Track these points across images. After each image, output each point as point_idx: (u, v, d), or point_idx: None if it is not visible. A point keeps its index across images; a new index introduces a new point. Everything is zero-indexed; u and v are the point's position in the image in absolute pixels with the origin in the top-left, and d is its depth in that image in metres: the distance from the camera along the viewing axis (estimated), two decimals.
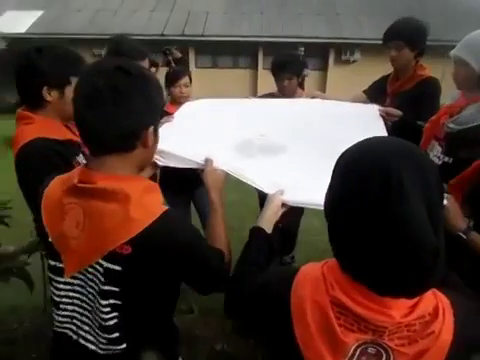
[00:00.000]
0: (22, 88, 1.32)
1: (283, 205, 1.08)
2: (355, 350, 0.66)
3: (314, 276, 0.72)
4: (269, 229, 1.02)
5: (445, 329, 0.66)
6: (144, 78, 0.87)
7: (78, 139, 1.44)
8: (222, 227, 1.06)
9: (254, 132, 1.51)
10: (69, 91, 1.28)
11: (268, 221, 1.03)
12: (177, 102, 2.29)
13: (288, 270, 0.78)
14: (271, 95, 2.48)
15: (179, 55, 7.22)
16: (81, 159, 1.41)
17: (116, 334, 0.88)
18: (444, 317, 0.66)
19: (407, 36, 1.93)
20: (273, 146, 1.45)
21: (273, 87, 2.48)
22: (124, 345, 0.89)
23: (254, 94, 10.62)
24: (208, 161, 1.16)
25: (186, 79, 2.41)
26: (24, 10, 11.30)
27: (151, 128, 0.87)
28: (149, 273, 0.85)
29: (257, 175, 1.20)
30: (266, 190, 1.13)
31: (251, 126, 1.56)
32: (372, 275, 0.65)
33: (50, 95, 1.28)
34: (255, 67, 10.82)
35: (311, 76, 8.01)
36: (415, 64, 2.01)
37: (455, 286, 0.85)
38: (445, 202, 1.16)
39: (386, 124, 1.70)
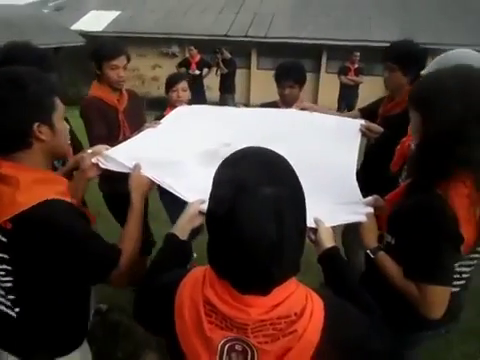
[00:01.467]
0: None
1: (201, 214, 1.09)
2: (223, 346, 0.69)
3: (196, 276, 0.76)
4: (183, 236, 1.05)
5: (310, 330, 0.67)
6: (21, 83, 1.00)
7: None
8: (135, 226, 1.18)
9: (220, 141, 1.53)
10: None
11: (182, 228, 1.06)
12: (175, 106, 2.25)
13: (183, 271, 0.82)
14: (273, 104, 2.44)
15: (228, 56, 7.32)
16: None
17: (11, 296, 1.07)
18: (311, 318, 0.68)
19: (401, 60, 1.90)
20: None
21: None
22: (18, 309, 1.08)
23: (315, 97, 10.47)
24: (136, 166, 1.24)
25: (184, 84, 2.43)
26: (106, 10, 12.16)
27: (35, 125, 1.02)
28: (29, 249, 0.99)
29: (186, 183, 1.24)
30: (185, 197, 1.17)
31: (221, 135, 1.59)
32: (228, 273, 0.69)
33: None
34: (317, 70, 10.61)
35: (372, 82, 7.67)
36: (409, 88, 1.91)
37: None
38: (363, 218, 1.15)
39: (369, 140, 1.70)
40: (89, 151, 1.35)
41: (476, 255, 1.16)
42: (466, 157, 0.97)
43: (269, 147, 1.52)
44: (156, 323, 0.84)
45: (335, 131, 1.70)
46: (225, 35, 10.47)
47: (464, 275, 1.17)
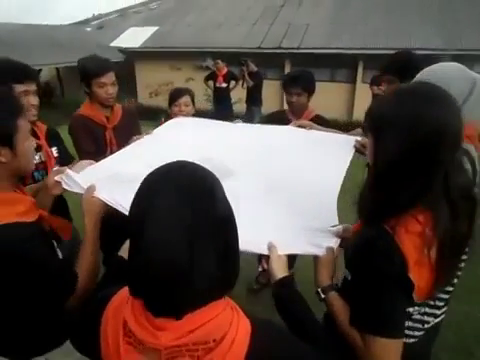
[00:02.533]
0: None
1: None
2: None
3: (124, 294, 0.72)
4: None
5: (229, 359, 0.63)
6: None
7: (39, 141, 1.70)
8: (87, 253, 1.13)
9: (202, 155, 1.51)
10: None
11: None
12: None
13: (115, 289, 0.77)
14: (282, 113, 2.48)
15: (254, 68, 7.21)
16: (36, 157, 1.64)
17: None
18: (232, 346, 0.64)
19: (400, 72, 1.85)
20: (222, 171, 1.49)
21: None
22: None
23: (351, 108, 10.14)
24: (88, 189, 1.20)
25: (186, 98, 2.42)
26: (145, 26, 12.60)
27: None
28: None
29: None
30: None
31: (205, 149, 1.57)
32: (139, 293, 0.66)
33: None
34: (353, 81, 10.30)
35: None
36: None
37: None
38: (320, 252, 1.07)
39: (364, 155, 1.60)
40: (54, 169, 1.37)
41: (440, 303, 0.99)
42: (417, 190, 0.86)
43: (251, 164, 1.47)
44: (87, 345, 0.79)
45: (327, 148, 1.66)
46: (258, 47, 10.45)
47: (426, 325, 0.99)
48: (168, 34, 11.94)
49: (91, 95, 2.09)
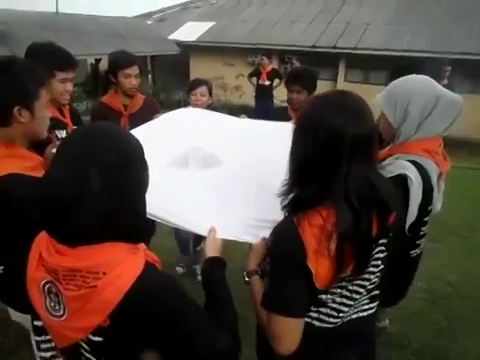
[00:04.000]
0: None
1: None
2: (44, 287, 0.81)
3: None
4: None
5: (111, 290, 0.74)
6: (10, 70, 1.15)
7: (65, 120, 1.86)
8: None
9: (193, 145, 1.62)
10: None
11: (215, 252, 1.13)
12: None
13: None
14: (284, 109, 2.58)
15: (298, 66, 6.99)
16: (61, 134, 1.78)
17: None
18: (116, 280, 0.75)
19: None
20: (208, 160, 1.57)
21: None
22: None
23: None
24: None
25: (203, 88, 2.60)
26: (202, 21, 12.83)
27: (16, 108, 1.16)
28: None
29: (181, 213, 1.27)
30: (197, 231, 1.23)
31: (198, 139, 1.68)
32: (41, 222, 0.80)
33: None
34: None
35: (471, 101, 6.69)
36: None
37: None
38: (254, 240, 1.18)
39: None
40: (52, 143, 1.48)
41: (357, 295, 1.05)
42: (319, 189, 0.95)
43: (239, 156, 1.59)
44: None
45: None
46: (313, 46, 10.20)
47: (342, 314, 1.06)
48: (223, 29, 12.04)
49: (117, 85, 2.32)
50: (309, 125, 0.96)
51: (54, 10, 6.63)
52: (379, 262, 1.05)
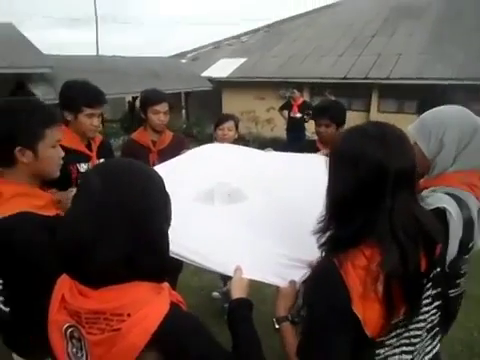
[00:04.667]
0: None
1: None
2: (66, 331, 0.78)
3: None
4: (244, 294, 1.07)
5: (137, 332, 0.71)
6: (11, 111, 1.17)
7: (90, 153, 1.95)
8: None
9: (220, 180, 1.60)
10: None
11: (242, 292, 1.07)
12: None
13: None
14: (312, 142, 2.57)
15: (331, 99, 6.96)
16: (83, 167, 1.86)
17: (1, 298, 1.19)
18: (142, 322, 0.71)
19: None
20: (233, 195, 1.54)
21: None
22: (8, 308, 1.20)
23: None
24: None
25: (230, 123, 2.61)
26: (235, 58, 13.29)
27: (17, 149, 1.16)
28: (2, 254, 1.13)
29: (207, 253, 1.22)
30: (222, 271, 1.17)
31: (224, 174, 1.65)
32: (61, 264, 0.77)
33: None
34: None
35: None
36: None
37: None
38: (282, 283, 1.11)
39: None
40: (70, 189, 1.49)
41: (408, 338, 0.95)
42: (362, 226, 0.89)
43: (266, 191, 1.55)
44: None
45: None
46: (344, 77, 10.22)
47: None
48: (254, 65, 12.38)
49: (146, 121, 2.40)
50: (348, 159, 0.91)
51: (96, 53, 7.14)
52: (432, 299, 0.99)
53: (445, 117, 1.28)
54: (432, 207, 1.21)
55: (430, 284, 0.96)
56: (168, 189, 1.55)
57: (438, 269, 0.98)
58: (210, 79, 12.39)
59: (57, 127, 1.26)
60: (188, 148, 2.34)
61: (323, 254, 0.98)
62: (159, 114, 2.36)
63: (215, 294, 3.04)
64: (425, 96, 1.95)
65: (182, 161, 1.91)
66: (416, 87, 9.22)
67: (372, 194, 0.88)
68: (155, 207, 0.78)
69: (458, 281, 1.40)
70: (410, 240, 0.87)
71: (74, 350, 0.78)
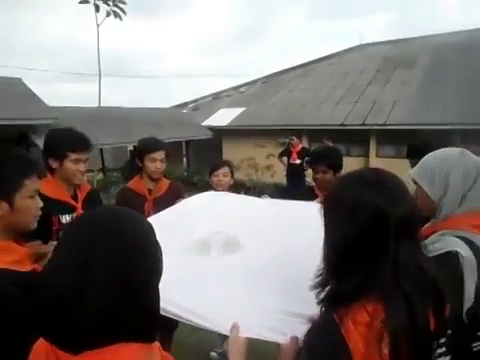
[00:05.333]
0: None
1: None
2: None
3: None
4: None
5: None
6: None
7: (75, 203, 1.88)
8: None
9: (214, 229, 1.56)
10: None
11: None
12: (216, 190, 2.49)
13: None
14: (310, 188, 2.56)
15: (329, 145, 7.05)
16: (66, 219, 1.79)
17: None
18: None
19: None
20: (230, 244, 1.49)
21: None
22: None
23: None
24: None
25: (225, 169, 2.61)
26: (234, 107, 13.69)
27: None
28: None
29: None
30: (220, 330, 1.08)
31: (218, 223, 1.61)
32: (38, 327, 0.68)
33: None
34: None
35: None
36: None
37: None
38: (282, 340, 1.00)
39: None
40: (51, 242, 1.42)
41: None
42: (364, 278, 0.82)
43: (262, 239, 1.49)
44: None
45: None
46: (341, 124, 10.44)
47: None
48: (253, 114, 12.71)
49: (142, 169, 2.39)
50: (345, 206, 0.86)
51: (99, 105, 7.41)
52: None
53: (447, 157, 1.27)
54: (442, 251, 1.15)
55: (443, 349, 0.87)
56: (161, 241, 1.50)
57: (449, 331, 0.88)
58: (210, 128, 12.67)
59: (36, 177, 1.20)
60: (184, 197, 2.30)
61: (323, 310, 0.91)
62: (156, 162, 2.35)
63: (213, 354, 2.84)
64: (412, 143, 2.00)
65: (176, 211, 1.88)
66: (412, 132, 9.37)
67: (373, 243, 0.82)
68: (145, 258, 0.70)
69: None
70: (417, 294, 0.80)
71: None
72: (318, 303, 0.90)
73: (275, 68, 15.82)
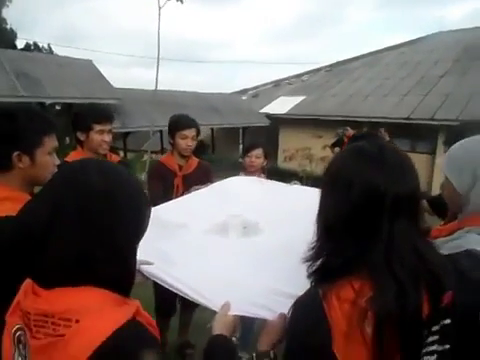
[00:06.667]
0: None
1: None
2: (14, 334, 0.72)
3: None
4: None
5: (79, 343, 0.64)
6: (10, 116, 1.19)
7: None
8: None
9: (232, 212, 1.60)
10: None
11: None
12: (248, 171, 2.60)
13: None
14: None
15: (386, 138, 6.54)
16: None
17: None
18: (87, 332, 0.64)
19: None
20: (249, 227, 1.53)
21: None
22: None
23: None
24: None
25: (259, 151, 2.61)
26: (294, 96, 13.41)
27: (15, 154, 1.18)
28: None
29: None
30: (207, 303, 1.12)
31: (238, 207, 1.65)
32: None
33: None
34: None
35: None
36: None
37: None
38: (269, 316, 1.02)
39: None
40: None
41: None
42: (353, 255, 0.79)
43: (282, 225, 1.52)
44: None
45: None
46: (407, 118, 9.73)
47: None
48: (313, 103, 12.33)
49: (174, 146, 2.47)
50: (341, 180, 0.84)
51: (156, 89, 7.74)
52: (435, 357, 0.82)
53: (477, 148, 1.16)
54: (461, 250, 1.05)
55: (436, 337, 0.80)
56: (180, 221, 1.55)
57: (448, 321, 0.82)
58: (268, 115, 12.54)
59: (54, 135, 1.29)
60: (212, 177, 2.36)
61: (312, 284, 0.89)
62: (187, 139, 2.40)
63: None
64: (451, 131, 1.80)
65: (201, 194, 1.95)
66: None
67: (366, 220, 0.80)
68: (119, 210, 0.73)
69: None
70: (410, 276, 0.77)
71: (19, 359, 0.72)
72: (308, 277, 0.88)
73: (343, 57, 15.09)
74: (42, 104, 8.50)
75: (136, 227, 0.77)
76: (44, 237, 0.68)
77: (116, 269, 0.72)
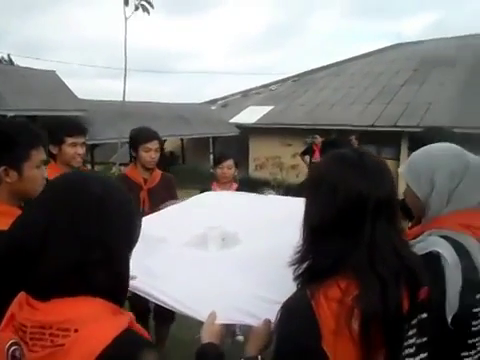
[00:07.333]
0: None
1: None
2: (8, 350, 0.69)
3: None
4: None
5: (79, 351, 0.64)
6: None
7: None
8: None
9: (210, 225, 1.59)
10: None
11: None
12: (220, 182, 2.67)
13: None
14: None
15: (355, 144, 6.76)
16: None
17: None
18: (87, 341, 0.65)
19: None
20: (227, 239, 1.54)
21: None
22: None
23: None
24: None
25: (230, 162, 2.68)
26: (263, 106, 13.58)
27: (2, 168, 1.17)
28: None
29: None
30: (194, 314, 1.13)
31: (216, 219, 1.65)
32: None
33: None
34: None
35: None
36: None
37: None
38: (255, 323, 1.04)
39: None
40: None
41: None
42: (338, 256, 0.83)
43: (255, 231, 1.57)
44: None
45: None
46: (371, 125, 10.08)
47: None
48: (281, 112, 12.54)
49: (137, 159, 2.44)
50: (325, 186, 0.88)
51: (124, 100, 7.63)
52: (417, 349, 0.90)
53: (434, 155, 1.23)
54: (424, 252, 1.11)
55: (414, 331, 0.87)
56: (161, 233, 1.53)
57: (424, 315, 0.89)
58: (237, 125, 12.62)
59: (42, 148, 1.28)
60: (175, 188, 2.44)
61: (298, 286, 0.92)
62: (150, 152, 2.37)
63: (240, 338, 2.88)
64: (412, 139, 1.92)
65: (176, 209, 1.95)
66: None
67: (350, 224, 0.84)
68: (113, 220, 0.75)
69: (471, 341, 1.15)
70: (391, 275, 0.81)
71: None
72: (294, 279, 0.91)
73: (309, 67, 15.53)
74: (3, 116, 8.14)
75: (128, 235, 0.78)
76: (39, 249, 0.69)
77: (110, 278, 0.72)
